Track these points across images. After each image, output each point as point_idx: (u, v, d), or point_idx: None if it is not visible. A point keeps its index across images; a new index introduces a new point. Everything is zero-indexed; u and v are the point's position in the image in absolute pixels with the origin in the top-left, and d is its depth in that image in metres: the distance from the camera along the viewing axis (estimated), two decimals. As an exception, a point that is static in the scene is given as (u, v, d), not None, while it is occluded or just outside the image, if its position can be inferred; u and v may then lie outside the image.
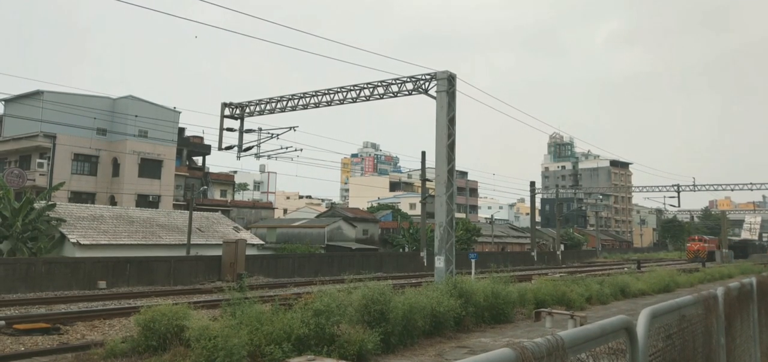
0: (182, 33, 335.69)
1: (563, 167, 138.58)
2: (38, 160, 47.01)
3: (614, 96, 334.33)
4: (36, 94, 46.97)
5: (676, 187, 56.47)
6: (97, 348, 9.67)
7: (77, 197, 46.16)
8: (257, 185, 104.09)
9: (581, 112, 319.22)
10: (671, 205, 74.73)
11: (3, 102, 49.86)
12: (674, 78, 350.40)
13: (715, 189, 56.08)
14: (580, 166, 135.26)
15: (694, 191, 57.42)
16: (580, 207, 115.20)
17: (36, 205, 30.98)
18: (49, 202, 32.39)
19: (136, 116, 48.18)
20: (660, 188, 58.93)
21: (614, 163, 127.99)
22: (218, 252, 31.98)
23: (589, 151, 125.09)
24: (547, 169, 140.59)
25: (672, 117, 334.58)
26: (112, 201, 47.86)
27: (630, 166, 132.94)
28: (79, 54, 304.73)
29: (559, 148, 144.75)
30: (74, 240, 30.79)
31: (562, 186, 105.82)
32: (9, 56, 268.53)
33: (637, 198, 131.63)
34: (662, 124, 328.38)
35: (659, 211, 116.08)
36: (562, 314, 12.14)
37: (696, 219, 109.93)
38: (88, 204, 40.77)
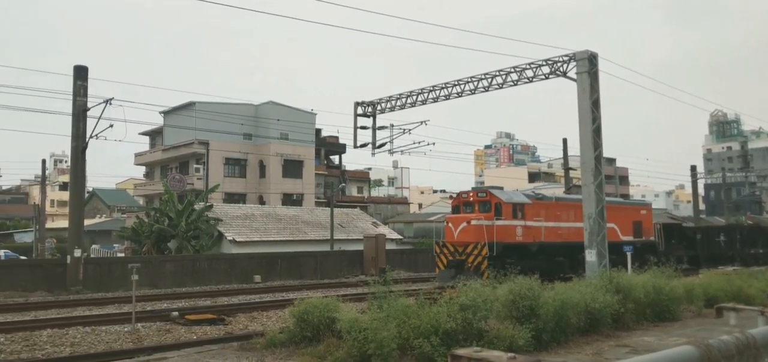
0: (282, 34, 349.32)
1: (729, 148, 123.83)
2: (195, 165, 51.65)
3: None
4: (189, 105, 51.32)
5: None
6: (258, 338, 10.24)
7: (230, 198, 50.05)
8: (391, 181, 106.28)
9: (748, 83, 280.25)
10: None
11: (162, 114, 55.41)
12: None
13: None
14: (750, 145, 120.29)
15: None
16: (753, 191, 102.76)
17: (196, 207, 33.95)
18: (207, 204, 35.31)
19: (278, 120, 51.29)
20: None
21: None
22: (359, 246, 32.98)
23: (761, 128, 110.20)
24: (709, 150, 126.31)
25: None
26: (261, 201, 51.30)
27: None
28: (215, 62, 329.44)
29: (723, 127, 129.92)
30: (231, 238, 33.34)
31: (729, 170, 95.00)
32: (152, 69, 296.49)
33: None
34: None
35: None
36: (749, 310, 10.80)
37: None
38: (240, 205, 43.99)
